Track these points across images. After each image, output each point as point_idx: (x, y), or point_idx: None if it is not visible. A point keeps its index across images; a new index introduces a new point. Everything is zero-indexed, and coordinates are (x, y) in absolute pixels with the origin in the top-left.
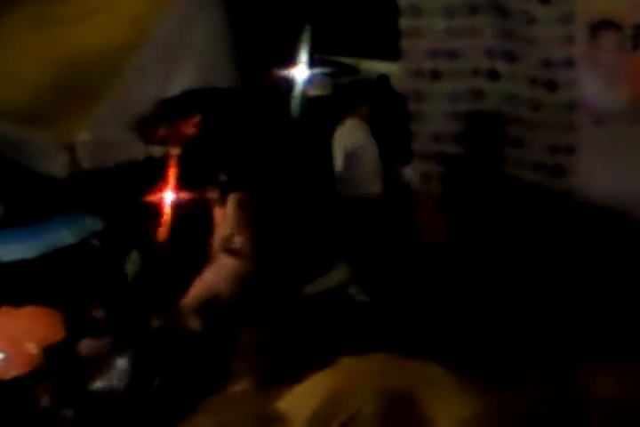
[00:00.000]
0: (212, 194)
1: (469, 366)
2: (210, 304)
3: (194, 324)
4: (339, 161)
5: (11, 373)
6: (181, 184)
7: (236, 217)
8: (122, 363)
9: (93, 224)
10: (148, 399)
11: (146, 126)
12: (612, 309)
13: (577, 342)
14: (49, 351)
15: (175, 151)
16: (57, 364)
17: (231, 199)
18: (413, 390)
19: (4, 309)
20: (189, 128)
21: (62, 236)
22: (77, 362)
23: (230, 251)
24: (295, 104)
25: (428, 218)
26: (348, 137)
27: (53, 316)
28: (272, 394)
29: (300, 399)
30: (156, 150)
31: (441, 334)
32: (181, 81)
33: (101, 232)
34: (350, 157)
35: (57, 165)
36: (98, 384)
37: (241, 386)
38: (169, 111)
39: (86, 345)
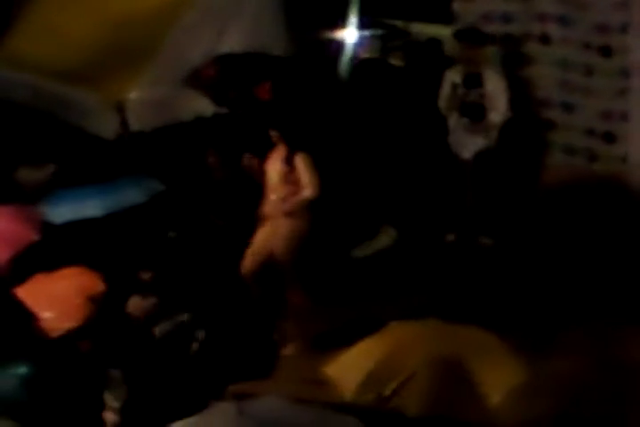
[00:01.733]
0: (251, 159)
1: (517, 332)
2: (266, 267)
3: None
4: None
5: (61, 328)
6: (232, 146)
7: (306, 175)
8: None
9: (157, 186)
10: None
11: (211, 85)
12: None
13: (616, 310)
14: (95, 302)
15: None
16: (104, 315)
17: (300, 158)
18: (464, 356)
19: (44, 273)
20: (263, 93)
21: (132, 195)
22: (125, 319)
23: (290, 211)
24: (344, 67)
25: None
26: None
27: (92, 273)
28: (321, 358)
29: (351, 365)
30: (206, 109)
31: (490, 301)
32: (232, 40)
33: (164, 193)
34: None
35: (106, 125)
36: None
37: (290, 350)
38: (237, 74)
39: (133, 303)
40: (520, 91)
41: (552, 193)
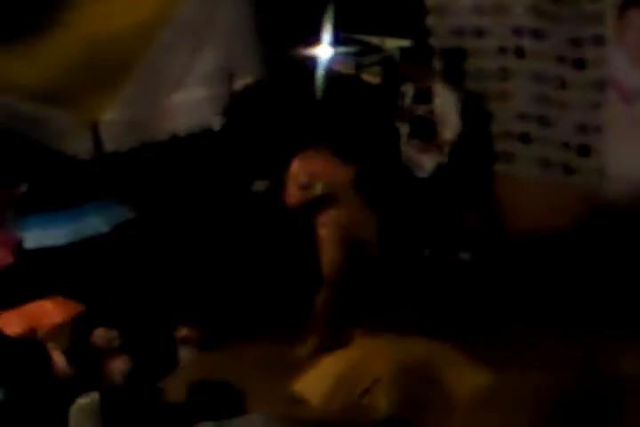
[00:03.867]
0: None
1: (498, 345)
2: None
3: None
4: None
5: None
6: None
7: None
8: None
9: (125, 213)
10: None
11: None
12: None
13: (604, 322)
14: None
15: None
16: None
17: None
18: (429, 360)
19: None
20: None
21: (95, 224)
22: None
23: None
24: (319, 84)
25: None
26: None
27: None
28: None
29: (317, 377)
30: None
31: (472, 315)
32: (207, 58)
33: (133, 221)
34: None
35: (80, 145)
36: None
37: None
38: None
39: (98, 335)
40: (496, 105)
41: (529, 206)
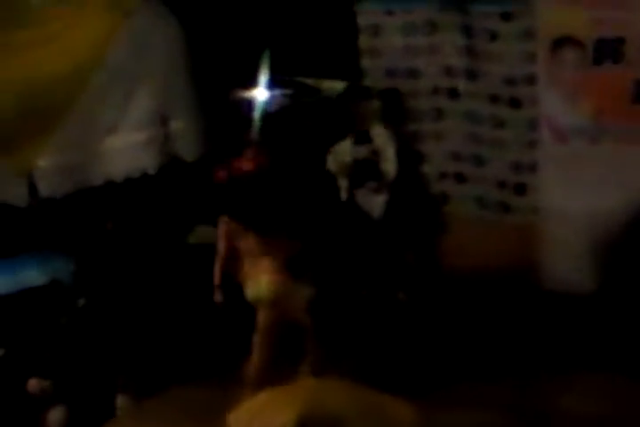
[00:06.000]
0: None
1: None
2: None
3: None
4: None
5: None
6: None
7: None
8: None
9: (64, 264)
10: None
11: None
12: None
13: (541, 360)
14: None
15: None
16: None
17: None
18: (349, 407)
19: None
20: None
21: (32, 276)
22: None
23: None
24: (256, 125)
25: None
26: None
27: None
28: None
29: (238, 414)
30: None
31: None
32: (141, 103)
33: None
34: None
35: (15, 192)
36: None
37: None
38: None
39: (32, 384)
40: (430, 145)
41: (467, 246)
